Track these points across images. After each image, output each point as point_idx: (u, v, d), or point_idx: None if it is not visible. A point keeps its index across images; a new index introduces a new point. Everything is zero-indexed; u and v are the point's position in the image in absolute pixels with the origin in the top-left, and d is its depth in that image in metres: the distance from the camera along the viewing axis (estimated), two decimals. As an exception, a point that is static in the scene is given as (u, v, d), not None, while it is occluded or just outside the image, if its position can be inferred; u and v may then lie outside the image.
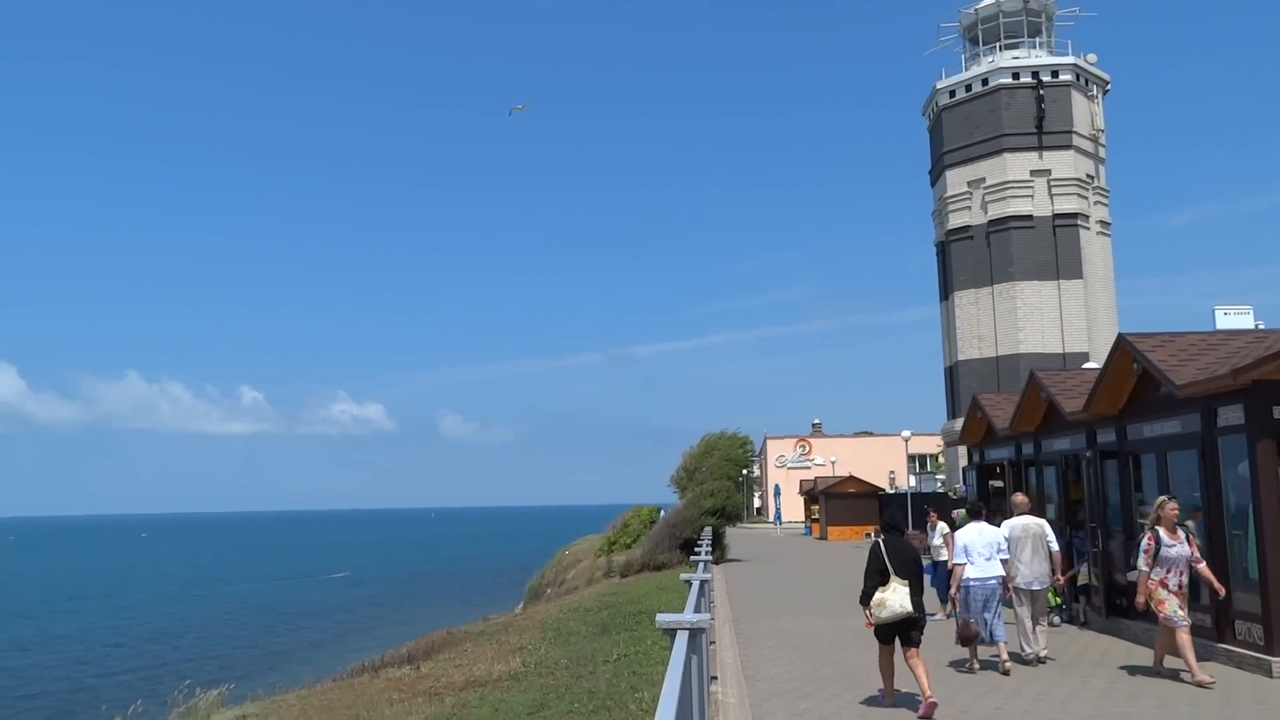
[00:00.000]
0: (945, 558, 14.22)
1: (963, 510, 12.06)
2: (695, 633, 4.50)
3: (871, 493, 43.45)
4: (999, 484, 17.52)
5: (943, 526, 15.16)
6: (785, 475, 75.19)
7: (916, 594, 7.93)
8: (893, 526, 8.29)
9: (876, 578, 7.98)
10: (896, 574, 7.89)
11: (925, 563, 13.43)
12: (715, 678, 9.59)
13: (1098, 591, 12.99)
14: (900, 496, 40.96)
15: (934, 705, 7.67)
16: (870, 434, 79.29)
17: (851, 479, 45.92)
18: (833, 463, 70.21)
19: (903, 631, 8.01)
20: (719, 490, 29.64)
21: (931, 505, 17.52)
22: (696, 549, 17.19)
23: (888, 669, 8.29)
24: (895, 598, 7.82)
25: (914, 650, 7.98)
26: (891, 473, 70.96)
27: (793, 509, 64.98)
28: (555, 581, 38.14)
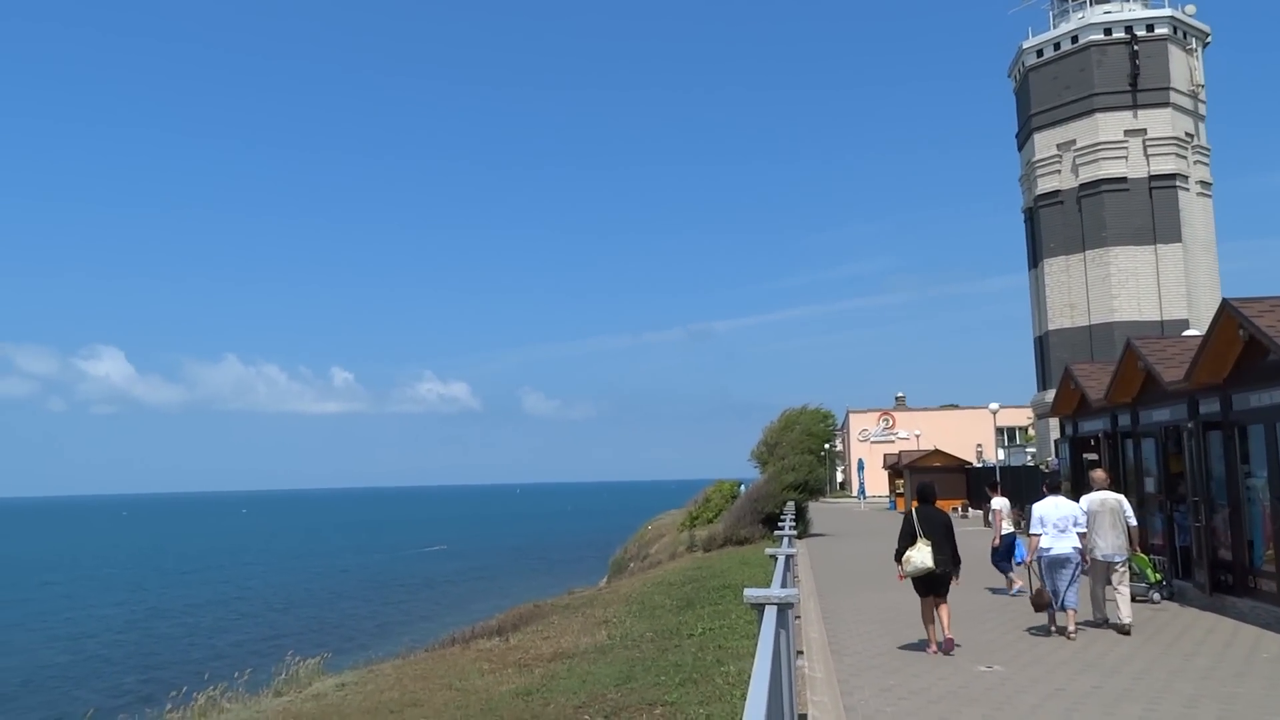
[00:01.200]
0: (1008, 530, 14.68)
1: (1064, 484, 12.01)
2: (783, 608, 4.45)
3: (958, 466, 42.55)
4: (1093, 457, 16.98)
5: (995, 501, 14.99)
6: (868, 449, 74.24)
7: (941, 553, 9.44)
8: (924, 497, 9.80)
9: (907, 539, 9.53)
10: (923, 536, 9.43)
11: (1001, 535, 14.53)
12: (801, 652, 9.52)
13: (1201, 568, 12.53)
14: (988, 470, 40.05)
15: (951, 643, 9.48)
16: (956, 407, 77.60)
17: (937, 453, 45.02)
18: (917, 436, 69.00)
19: (933, 584, 9.57)
20: (801, 465, 29.37)
21: (991, 481, 17.32)
22: (780, 524, 17.13)
23: (928, 618, 9.72)
24: (918, 555, 9.39)
25: (941, 599, 9.63)
26: (979, 446, 69.41)
27: (876, 483, 64.15)
28: (638, 556, 38.37)
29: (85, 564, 74.08)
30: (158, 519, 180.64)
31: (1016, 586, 14.40)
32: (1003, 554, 14.77)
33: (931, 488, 10.03)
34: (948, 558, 9.50)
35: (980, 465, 47.13)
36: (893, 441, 74.62)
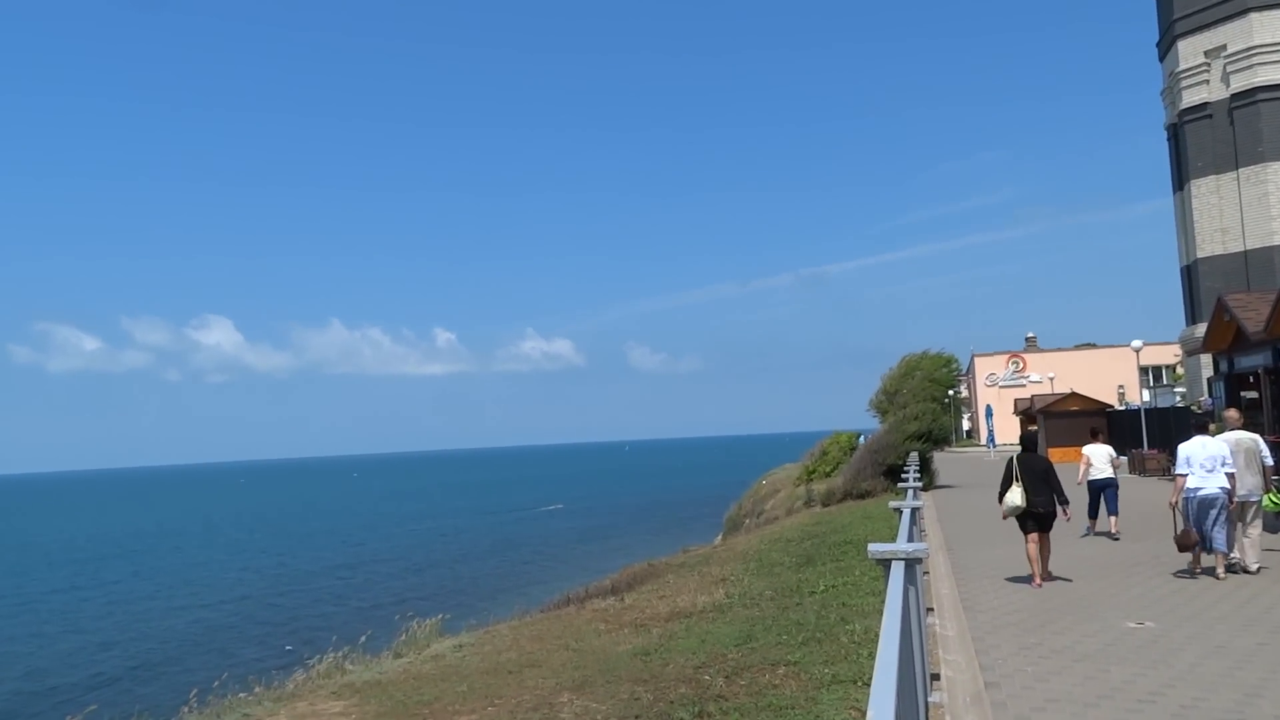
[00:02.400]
0: (1095, 476, 15.74)
1: (1213, 424, 11.82)
2: (911, 563, 4.40)
3: (1098, 410, 40.92)
4: (1253, 395, 16.14)
5: (1086, 448, 15.98)
6: (996, 395, 72.36)
7: (1037, 494, 10.91)
8: (1026, 446, 11.36)
9: (1006, 483, 11.03)
10: (1019, 479, 10.96)
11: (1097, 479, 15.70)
12: (931, 609, 9.44)
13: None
14: (1131, 413, 38.41)
15: (1049, 575, 11.07)
16: (1093, 346, 74.68)
17: (1074, 396, 43.39)
18: (1050, 379, 66.85)
19: (1031, 522, 11.00)
20: (923, 413, 28.91)
21: (1093, 428, 17.64)
22: (903, 476, 16.88)
23: (1033, 556, 11.05)
24: (1012, 496, 10.91)
25: (1043, 535, 11.04)
26: (1120, 387, 66.80)
27: (1007, 430, 62.51)
28: (753, 512, 38.53)
29: (212, 531, 78.81)
30: (273, 485, 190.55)
31: (1088, 527, 15.70)
32: (1092, 496, 15.87)
33: (1033, 436, 11.64)
34: (1045, 499, 10.91)
35: (1124, 408, 45.25)
36: (1024, 386, 72.52)
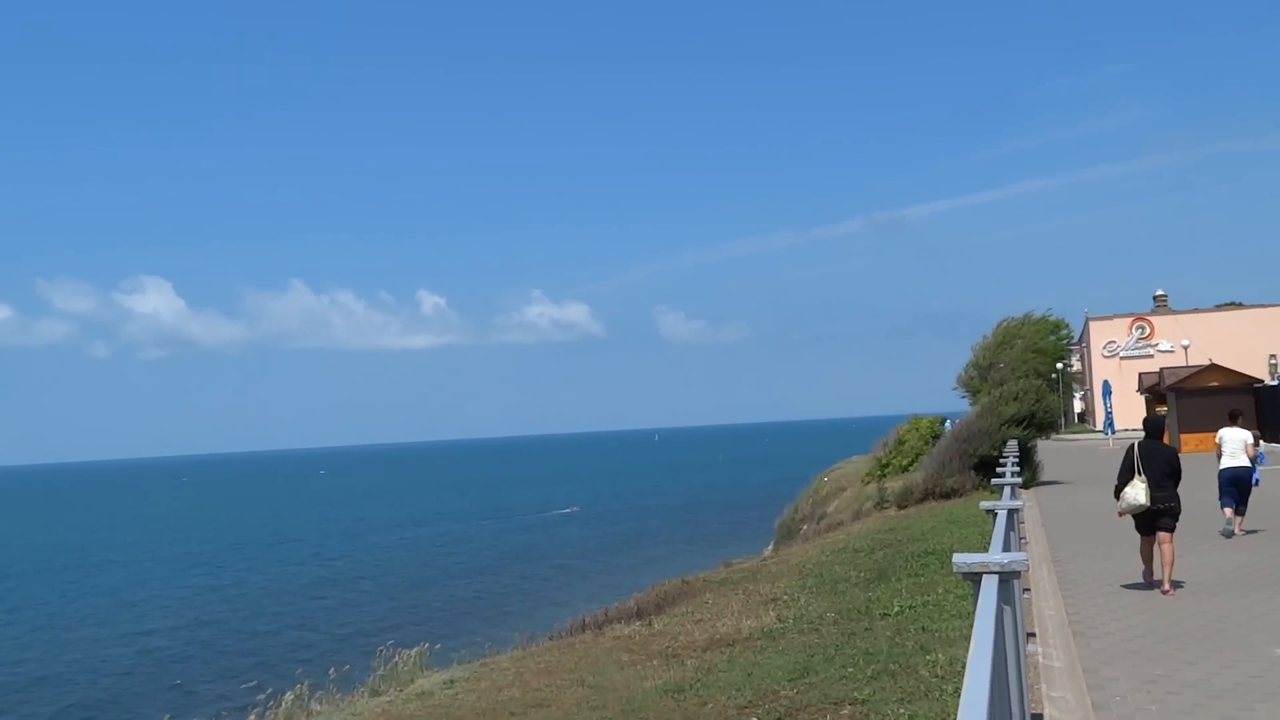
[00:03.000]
0: (1227, 465, 16.18)
1: None
2: (1006, 577, 4.40)
3: (1244, 385, 40.57)
4: None
5: (1221, 431, 16.43)
6: (1117, 368, 71.96)
7: (1161, 489, 11.52)
8: (1150, 431, 12.01)
9: (1126, 475, 11.67)
10: (1141, 473, 11.54)
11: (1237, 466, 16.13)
12: (1033, 634, 9.45)
13: None
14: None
15: (1171, 584, 11.40)
16: (1239, 306, 74.04)
17: (1214, 368, 43.07)
18: (1185, 348, 66.27)
19: (1153, 521, 11.64)
20: (1025, 391, 28.86)
21: (1233, 409, 18.02)
22: (999, 469, 16.84)
23: (1146, 556, 11.97)
24: (1133, 492, 11.53)
25: (1165, 536, 11.55)
26: (1272, 358, 66.12)
27: (1129, 413, 62.11)
28: (812, 516, 38.89)
29: (154, 542, 79.97)
30: (224, 484, 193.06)
31: (1226, 520, 16.04)
32: (1223, 488, 16.20)
33: (1159, 421, 12.30)
34: (1168, 494, 11.55)
35: (1276, 383, 44.80)
36: (1151, 356, 72.11)
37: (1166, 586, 11.40)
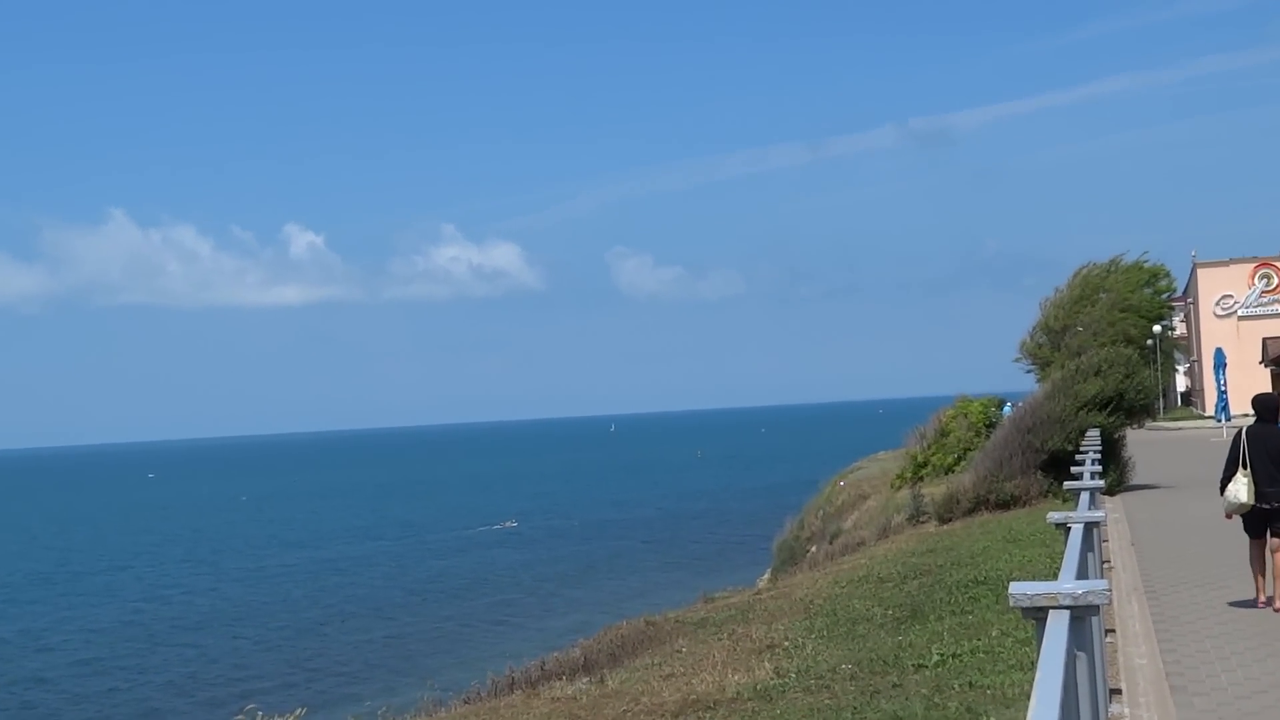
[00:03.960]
0: None
1: None
2: (1081, 614, 4.46)
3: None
4: None
5: None
6: (1234, 331, 72.34)
7: (1273, 485, 12.20)
8: (1261, 413, 12.76)
9: (1230, 468, 12.51)
10: (1246, 465, 12.30)
11: None
12: (1117, 691, 9.50)
13: None
14: None
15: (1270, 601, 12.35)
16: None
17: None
18: (1325, 305, 66.89)
19: (1263, 523, 12.39)
20: (1111, 364, 28.99)
21: None
22: (1074, 468, 16.87)
23: (1256, 565, 12.70)
24: (1235, 488, 12.33)
25: (1278, 543, 12.33)
26: None
27: (1249, 390, 62.62)
28: (823, 534, 39.13)
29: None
30: (21, 492, 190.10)
31: None
32: None
33: (1270, 401, 12.97)
34: (1276, 490, 12.29)
35: None
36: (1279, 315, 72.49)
37: (1262, 601, 12.44)
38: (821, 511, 43.56)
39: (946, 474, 34.43)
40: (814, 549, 37.30)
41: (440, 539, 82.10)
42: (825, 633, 14.77)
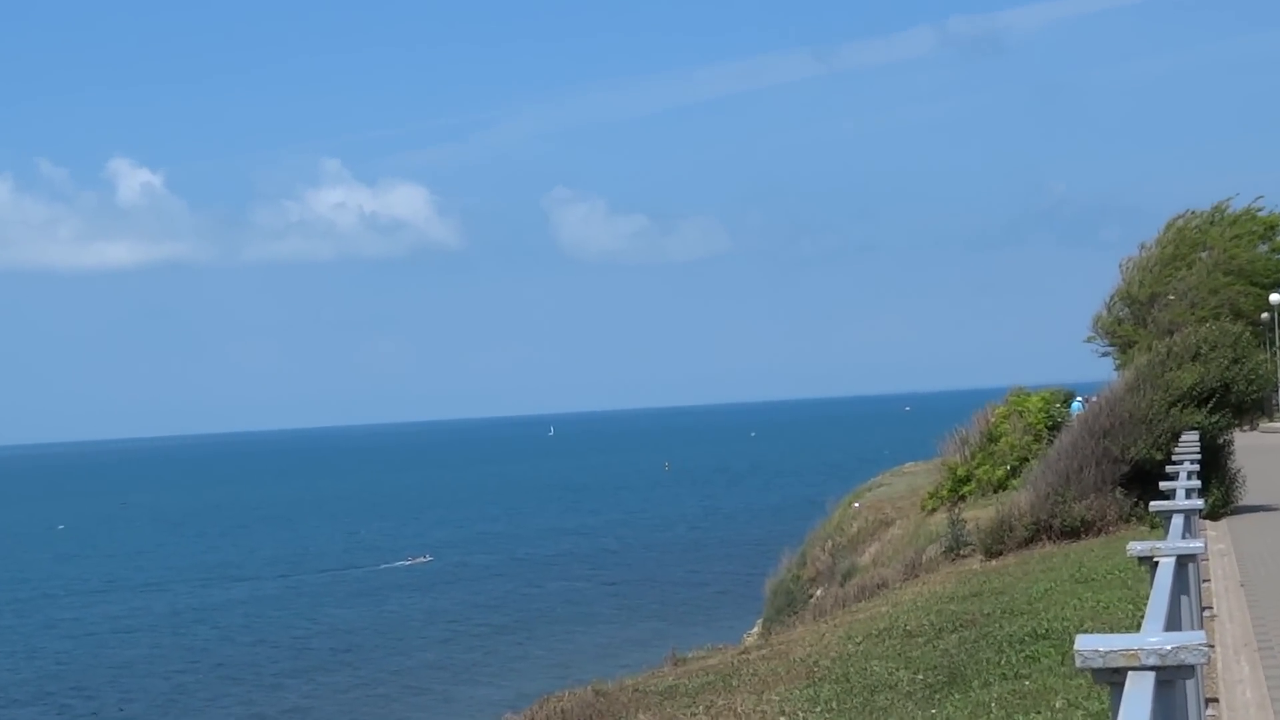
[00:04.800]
0: None
1: None
2: (1169, 677, 4.45)
3: None
4: None
5: None
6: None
7: None
8: None
9: None
10: None
11: None
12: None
13: None
14: None
15: None
16: None
17: None
18: None
19: None
20: (1213, 345, 29.10)
21: None
22: (1164, 484, 16.88)
23: None
24: None
25: None
26: None
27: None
28: (832, 574, 39.41)
29: None
30: None
31: None
32: None
33: None
34: None
35: None
36: None
37: None
38: (830, 543, 43.75)
39: (995, 492, 34.70)
40: (819, 593, 37.67)
41: (327, 580, 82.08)
42: (835, 705, 14.81)
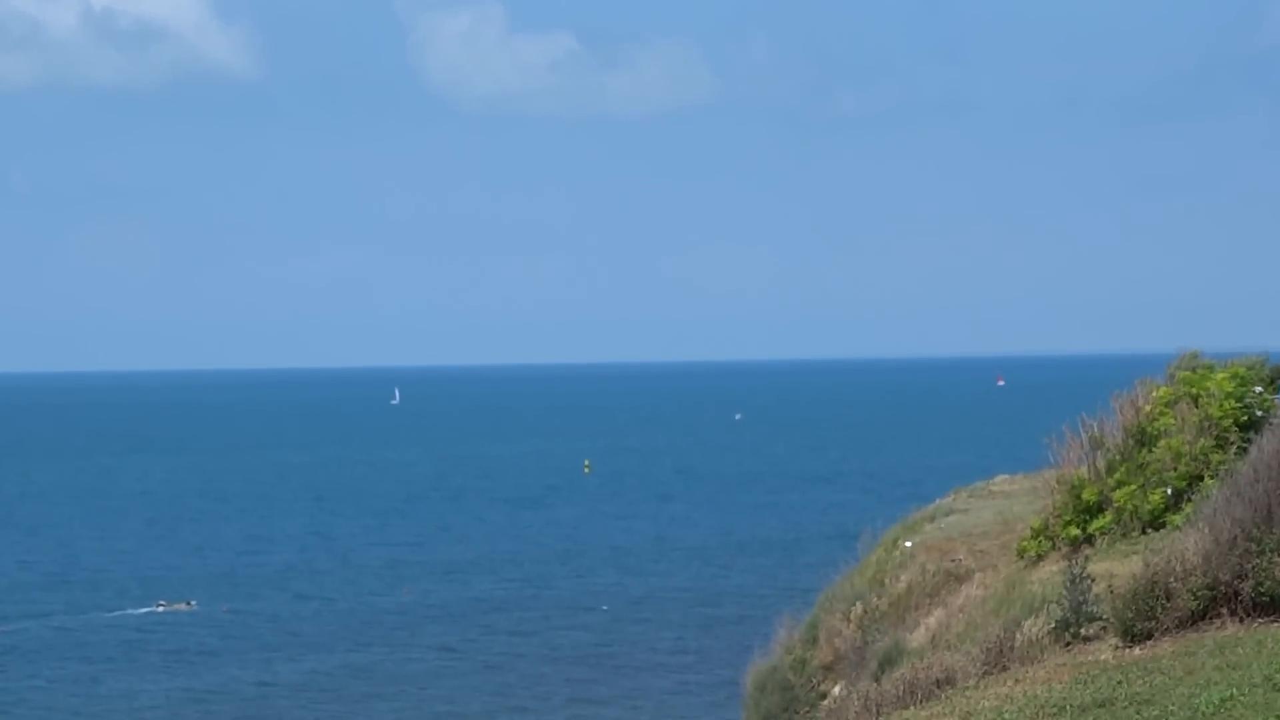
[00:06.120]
0: None
1: None
2: None
3: None
4: None
5: None
6: None
7: None
8: None
9: None
10: None
11: None
12: None
13: None
14: None
15: None
16: None
17: None
18: None
19: None
20: None
21: None
22: None
23: None
24: None
25: None
26: None
27: None
28: (863, 658, 35.76)
29: None
30: None
31: None
32: None
33: None
34: None
35: None
36: None
37: None
38: (859, 607, 38.98)
39: (1145, 532, 31.32)
40: (837, 690, 34.55)
41: (28, 632, 70.19)
42: None
